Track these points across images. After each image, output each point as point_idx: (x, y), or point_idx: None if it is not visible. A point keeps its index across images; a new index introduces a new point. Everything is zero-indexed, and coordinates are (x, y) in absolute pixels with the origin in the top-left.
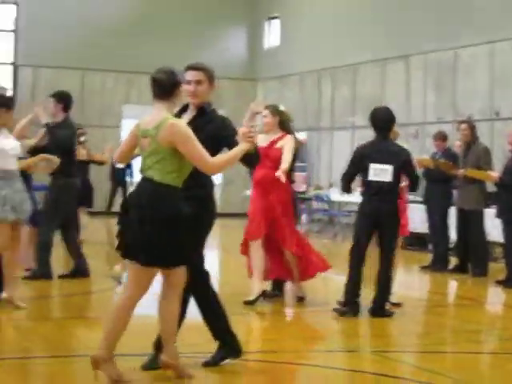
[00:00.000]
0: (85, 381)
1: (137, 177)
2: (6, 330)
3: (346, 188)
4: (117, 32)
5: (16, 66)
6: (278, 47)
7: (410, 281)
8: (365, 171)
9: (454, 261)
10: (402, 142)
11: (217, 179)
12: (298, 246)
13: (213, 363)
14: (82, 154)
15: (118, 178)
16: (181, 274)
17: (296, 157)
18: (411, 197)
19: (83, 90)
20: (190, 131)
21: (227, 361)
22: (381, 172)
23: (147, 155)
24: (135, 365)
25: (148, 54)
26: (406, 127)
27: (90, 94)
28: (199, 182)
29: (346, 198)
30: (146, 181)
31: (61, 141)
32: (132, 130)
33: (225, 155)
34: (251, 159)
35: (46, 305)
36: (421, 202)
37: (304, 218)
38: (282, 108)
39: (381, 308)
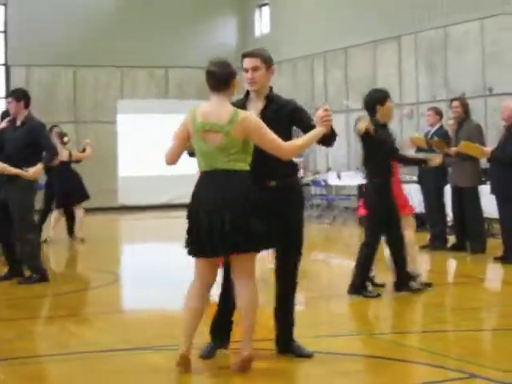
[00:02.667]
0: (84, 379)
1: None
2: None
3: None
4: (106, 27)
5: (8, 67)
6: (268, 34)
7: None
8: None
9: (452, 239)
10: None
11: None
12: None
13: None
14: (64, 154)
15: None
16: (254, 258)
17: None
18: (407, 177)
19: (76, 86)
20: (260, 121)
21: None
22: None
23: (219, 150)
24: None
25: (139, 47)
26: (400, 107)
27: (84, 90)
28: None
29: (344, 182)
30: (223, 173)
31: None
32: (184, 124)
33: (301, 139)
34: (329, 140)
35: (39, 304)
36: (416, 182)
37: None
38: None
39: (404, 284)
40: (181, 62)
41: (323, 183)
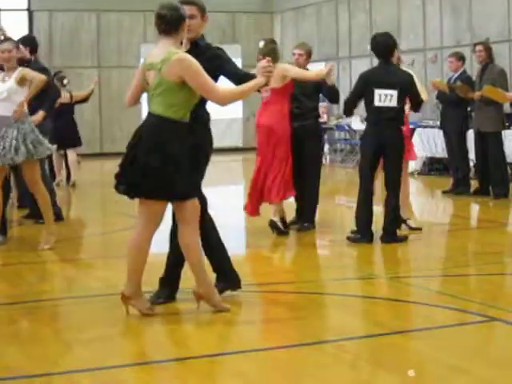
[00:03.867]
0: (106, 319)
1: None
2: (24, 273)
3: (349, 112)
4: None
5: (31, 12)
6: None
7: (432, 205)
8: (369, 97)
9: (475, 184)
10: (406, 67)
11: (237, 114)
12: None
13: None
14: (65, 96)
15: None
16: (193, 207)
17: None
18: (430, 122)
19: (99, 31)
20: (198, 64)
21: (227, 292)
22: (386, 97)
23: (152, 89)
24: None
25: None
26: (424, 52)
27: (107, 35)
28: (197, 115)
29: None
30: (150, 115)
31: None
32: (139, 68)
33: (238, 87)
34: (334, 96)
35: (62, 247)
36: (438, 127)
37: (326, 148)
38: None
39: (392, 234)
40: (208, 6)
41: (347, 127)
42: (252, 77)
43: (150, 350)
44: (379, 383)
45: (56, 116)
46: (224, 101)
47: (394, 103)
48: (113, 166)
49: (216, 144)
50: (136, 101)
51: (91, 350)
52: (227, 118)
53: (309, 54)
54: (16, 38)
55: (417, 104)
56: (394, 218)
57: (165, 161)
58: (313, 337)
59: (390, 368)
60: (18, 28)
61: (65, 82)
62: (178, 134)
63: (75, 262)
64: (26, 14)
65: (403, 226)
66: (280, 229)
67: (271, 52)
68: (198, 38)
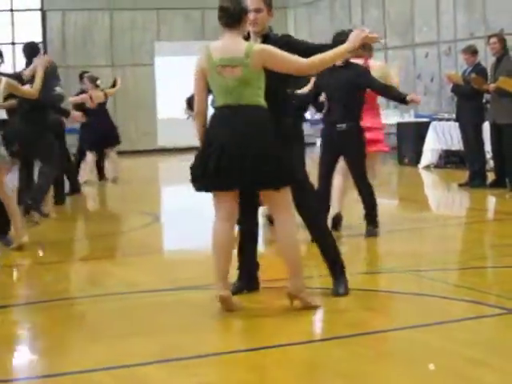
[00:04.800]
0: (123, 318)
1: None
2: (38, 273)
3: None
4: None
5: (44, 12)
6: None
7: (448, 198)
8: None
9: (491, 176)
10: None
11: None
12: None
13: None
14: (99, 96)
15: None
16: (288, 193)
17: None
18: (445, 115)
19: (113, 29)
20: (275, 48)
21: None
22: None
23: (236, 84)
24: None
25: None
26: (438, 45)
27: (121, 33)
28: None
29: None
30: (240, 108)
31: None
32: (197, 70)
33: (327, 53)
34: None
35: (77, 246)
36: (454, 120)
37: None
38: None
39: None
40: (217, 4)
41: None
42: (330, 46)
43: (168, 348)
44: (398, 377)
45: (95, 116)
46: (312, 69)
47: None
48: (131, 163)
49: None
50: (206, 105)
51: (110, 348)
52: None
53: None
54: (29, 38)
55: (381, 91)
56: (372, 204)
57: (277, 147)
58: (330, 332)
59: (408, 362)
60: (31, 28)
61: (98, 82)
62: (270, 120)
63: (91, 260)
64: (39, 13)
65: None
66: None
67: None
68: (267, 31)
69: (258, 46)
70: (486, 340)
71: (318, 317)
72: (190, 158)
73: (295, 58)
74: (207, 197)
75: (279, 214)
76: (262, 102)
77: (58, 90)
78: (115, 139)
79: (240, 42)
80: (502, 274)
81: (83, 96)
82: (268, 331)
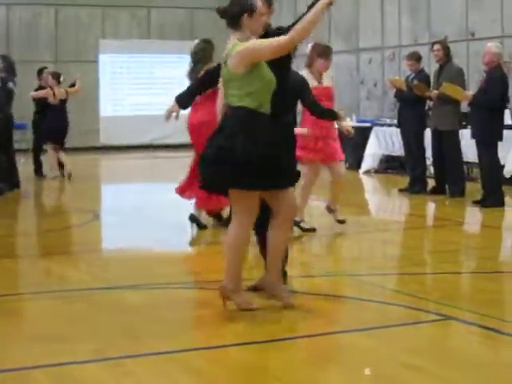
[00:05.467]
0: (62, 316)
1: None
2: None
3: None
4: None
5: None
6: None
7: (388, 203)
8: None
9: (431, 182)
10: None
11: None
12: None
13: None
14: (62, 93)
15: None
16: (290, 198)
17: None
18: (387, 121)
19: (58, 25)
20: (253, 41)
21: None
22: None
23: (224, 84)
24: None
25: None
26: (382, 50)
27: (65, 29)
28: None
29: None
30: (232, 109)
31: None
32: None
33: (303, 18)
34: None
35: (17, 242)
36: (396, 126)
37: None
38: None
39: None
40: (163, 3)
41: None
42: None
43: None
44: (334, 381)
45: (53, 112)
46: (295, 41)
47: None
48: (72, 159)
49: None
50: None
51: (46, 346)
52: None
53: None
54: None
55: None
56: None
57: (277, 150)
58: (267, 335)
59: (345, 366)
60: None
61: (61, 79)
62: (259, 124)
63: (30, 257)
64: None
65: (295, 227)
66: (200, 223)
67: (199, 52)
68: (265, 29)
69: (240, 45)
70: (423, 346)
71: (255, 319)
72: (132, 157)
73: (275, 38)
74: (148, 196)
75: (277, 218)
76: (245, 103)
77: (10, 85)
78: (64, 137)
79: (232, 43)
80: (440, 281)
81: (47, 91)
82: (204, 332)
